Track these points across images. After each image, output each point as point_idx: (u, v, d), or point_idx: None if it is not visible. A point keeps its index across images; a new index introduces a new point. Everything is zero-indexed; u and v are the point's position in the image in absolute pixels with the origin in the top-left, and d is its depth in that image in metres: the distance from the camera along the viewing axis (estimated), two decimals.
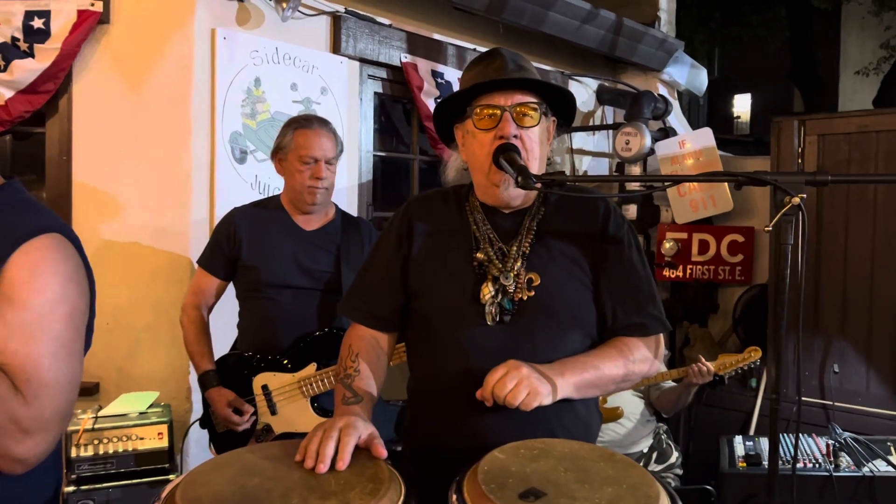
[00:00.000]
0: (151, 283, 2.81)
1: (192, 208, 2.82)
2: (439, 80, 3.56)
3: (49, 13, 2.69)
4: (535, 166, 1.45)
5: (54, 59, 2.67)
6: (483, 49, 3.84)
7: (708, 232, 4.13)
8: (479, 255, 1.47)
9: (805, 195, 1.20)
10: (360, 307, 1.57)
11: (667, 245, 4.05)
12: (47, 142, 2.83)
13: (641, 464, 2.93)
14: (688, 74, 4.73)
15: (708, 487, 2.20)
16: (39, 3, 2.68)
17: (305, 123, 2.27)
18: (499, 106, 1.41)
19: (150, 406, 2.55)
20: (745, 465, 2.66)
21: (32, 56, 2.67)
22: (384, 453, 1.25)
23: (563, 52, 4.36)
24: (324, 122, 2.30)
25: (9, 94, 2.67)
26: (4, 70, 2.65)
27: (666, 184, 1.55)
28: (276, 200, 2.38)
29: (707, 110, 22.89)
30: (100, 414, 2.44)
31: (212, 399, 2.26)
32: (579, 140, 4.60)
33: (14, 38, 2.66)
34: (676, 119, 4.56)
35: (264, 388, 2.27)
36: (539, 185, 1.32)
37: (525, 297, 1.43)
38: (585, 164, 4.65)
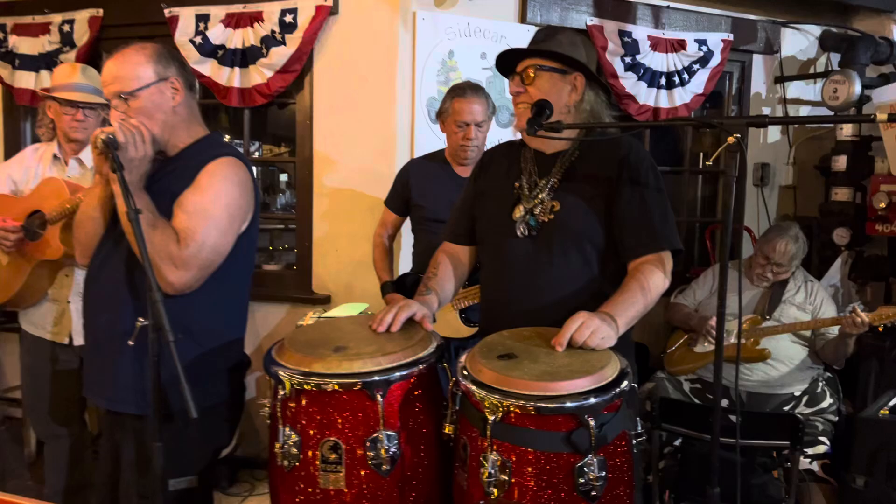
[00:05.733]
0: (366, 218, 3.54)
1: (397, 160, 3.50)
2: (626, 40, 3.79)
3: (296, 10, 3.51)
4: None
5: (299, 45, 3.49)
6: (680, 7, 3.96)
7: None
8: (516, 185, 1.89)
9: (740, 135, 1.43)
10: (448, 229, 2.09)
11: (879, 198, 3.83)
12: (297, 110, 3.70)
13: (791, 405, 3.06)
14: None
15: (797, 415, 2.30)
16: (290, 3, 3.51)
17: (460, 92, 2.79)
18: (515, 71, 1.83)
19: (360, 313, 3.31)
20: (887, 412, 2.66)
21: (284, 44, 3.52)
22: (430, 327, 1.76)
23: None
24: (476, 90, 2.80)
25: (269, 73, 3.57)
26: (266, 56, 3.54)
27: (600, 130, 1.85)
28: (440, 153, 2.96)
29: None
30: (321, 315, 3.24)
31: (388, 302, 2.93)
32: (797, 89, 4.45)
33: (273, 31, 3.53)
34: None
35: None
36: (539, 131, 1.70)
37: (546, 220, 1.82)
38: (803, 114, 4.48)
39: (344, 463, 1.56)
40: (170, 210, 1.82)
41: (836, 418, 3.03)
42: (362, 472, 1.56)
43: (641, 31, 3.86)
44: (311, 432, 1.58)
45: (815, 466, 2.81)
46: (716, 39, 4.00)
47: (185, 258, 1.76)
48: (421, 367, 1.61)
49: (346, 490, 1.57)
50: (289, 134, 4.26)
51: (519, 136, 2.04)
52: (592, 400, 1.43)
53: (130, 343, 1.70)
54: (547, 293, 1.83)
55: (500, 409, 1.44)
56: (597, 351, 1.58)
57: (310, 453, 1.58)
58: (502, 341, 1.65)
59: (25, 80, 4.01)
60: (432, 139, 3.51)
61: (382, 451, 1.54)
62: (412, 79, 3.47)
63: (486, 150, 2.14)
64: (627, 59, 3.81)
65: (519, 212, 1.88)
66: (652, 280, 1.73)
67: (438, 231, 2.85)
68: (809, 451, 2.83)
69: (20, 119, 4.22)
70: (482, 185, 2.03)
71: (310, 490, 1.61)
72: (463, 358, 1.63)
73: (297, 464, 1.58)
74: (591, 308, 1.72)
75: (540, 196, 1.86)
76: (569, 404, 1.42)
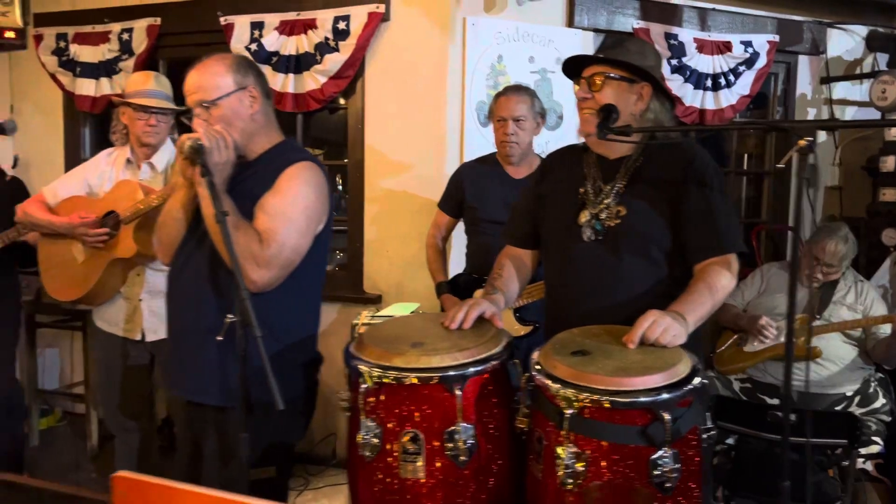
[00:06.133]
0: (416, 220, 3.61)
1: (447, 163, 3.57)
2: (672, 42, 3.83)
3: (349, 17, 3.60)
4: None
5: (352, 51, 3.58)
6: (725, 9, 3.99)
7: None
8: (581, 190, 1.95)
9: (812, 138, 1.47)
10: (508, 231, 2.16)
11: None
12: (348, 115, 3.79)
13: (843, 406, 3.07)
14: None
15: (854, 413, 2.33)
16: (343, 11, 3.61)
17: (502, 91, 2.91)
18: (583, 77, 1.88)
19: (412, 312, 3.39)
20: None
21: (338, 51, 3.61)
22: (500, 324, 1.82)
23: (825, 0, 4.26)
24: (517, 89, 2.89)
25: (323, 79, 3.66)
26: (320, 62, 3.64)
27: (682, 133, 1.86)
28: (492, 156, 3.03)
29: None
30: (375, 314, 3.32)
31: (443, 302, 3.01)
32: (843, 90, 4.44)
33: (326, 38, 3.63)
34: None
35: None
36: (608, 136, 1.76)
37: (613, 224, 1.88)
38: (849, 115, 4.47)
39: (423, 454, 1.63)
40: (250, 212, 1.91)
41: (889, 419, 3.04)
42: (441, 463, 1.63)
43: (687, 34, 3.89)
44: (391, 424, 1.65)
45: (869, 466, 2.83)
46: (761, 41, 4.02)
47: (268, 258, 1.85)
48: (494, 362, 1.68)
49: (424, 480, 1.64)
50: (327, 136, 4.36)
51: (576, 139, 2.08)
52: (665, 396, 1.49)
53: (219, 339, 1.79)
54: (614, 295, 1.88)
55: (577, 403, 1.50)
56: (668, 348, 1.63)
57: (388, 445, 1.66)
58: (573, 338, 1.71)
59: (86, 87, 4.17)
60: (482, 142, 3.57)
61: (461, 443, 1.61)
62: (462, 83, 3.54)
63: (547, 154, 2.19)
64: (674, 62, 3.85)
65: (584, 216, 1.93)
66: (719, 280, 1.78)
67: (492, 232, 2.93)
68: (863, 450, 2.84)
69: (80, 124, 4.38)
70: (544, 190, 2.08)
71: (387, 480, 1.68)
72: (535, 354, 1.69)
73: (378, 454, 1.66)
74: (658, 308, 1.77)
75: (606, 201, 1.91)
76: (643, 399, 1.48)
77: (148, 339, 2.77)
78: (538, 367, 1.63)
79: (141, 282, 2.75)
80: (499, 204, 2.91)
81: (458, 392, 1.61)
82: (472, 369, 1.64)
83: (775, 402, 3.17)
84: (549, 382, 1.55)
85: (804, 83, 4.34)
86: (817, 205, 4.48)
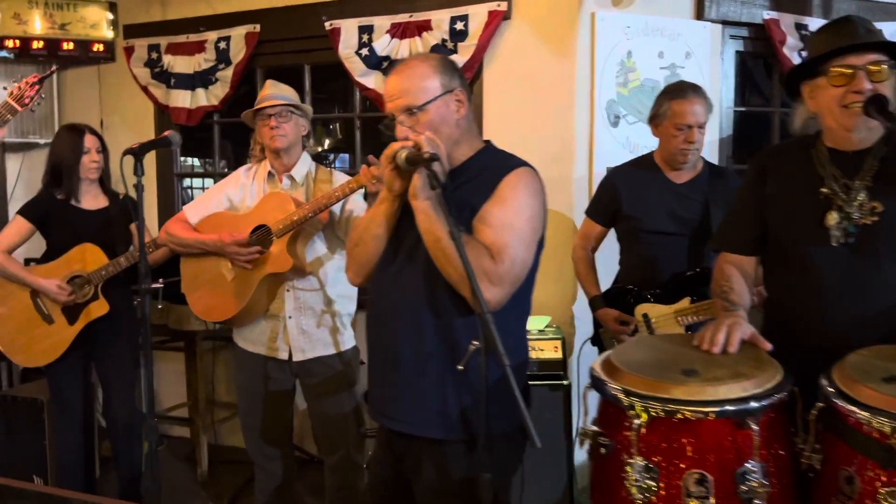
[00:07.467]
0: None
1: (575, 166, 3.38)
2: (803, 33, 3.62)
3: (467, 17, 3.42)
4: None
5: (472, 53, 3.40)
6: None
7: None
8: (824, 190, 1.75)
9: None
10: (728, 238, 1.97)
11: None
12: None
13: None
14: None
15: None
16: (460, 10, 3.43)
17: (680, 93, 2.62)
18: (852, 66, 1.67)
19: (546, 326, 3.20)
20: None
21: (456, 52, 3.43)
22: (768, 346, 1.62)
23: None
24: (696, 90, 2.64)
25: None
26: None
27: None
28: (649, 158, 2.80)
29: None
30: None
31: (600, 317, 2.79)
32: None
33: (443, 40, 3.45)
34: None
35: (644, 316, 2.72)
36: None
37: (868, 223, 1.68)
38: None
39: (713, 496, 1.43)
40: (468, 224, 1.73)
41: None
42: None
43: (818, 24, 3.66)
44: (664, 462, 1.47)
45: None
46: (893, 28, 3.79)
47: (500, 274, 1.66)
48: (783, 393, 1.49)
49: None
50: None
51: None
52: None
53: (460, 367, 1.61)
54: (873, 302, 1.70)
55: None
56: None
57: (662, 486, 1.47)
58: (871, 362, 1.51)
59: (181, 99, 4.04)
60: (611, 143, 3.39)
61: (755, 483, 1.42)
62: (591, 81, 3.35)
63: (762, 151, 2.00)
64: (805, 53, 3.63)
65: (833, 218, 1.74)
66: None
67: (655, 242, 2.71)
68: None
69: None
70: (772, 191, 1.87)
71: None
72: (824, 382, 1.50)
73: (654, 498, 1.47)
74: None
75: (859, 198, 1.72)
76: None
77: (295, 358, 2.60)
78: (835, 393, 1.44)
79: (291, 297, 2.58)
80: (661, 213, 2.69)
81: (754, 427, 1.41)
82: (765, 401, 1.44)
83: None
84: (866, 415, 1.36)
85: None
86: None
